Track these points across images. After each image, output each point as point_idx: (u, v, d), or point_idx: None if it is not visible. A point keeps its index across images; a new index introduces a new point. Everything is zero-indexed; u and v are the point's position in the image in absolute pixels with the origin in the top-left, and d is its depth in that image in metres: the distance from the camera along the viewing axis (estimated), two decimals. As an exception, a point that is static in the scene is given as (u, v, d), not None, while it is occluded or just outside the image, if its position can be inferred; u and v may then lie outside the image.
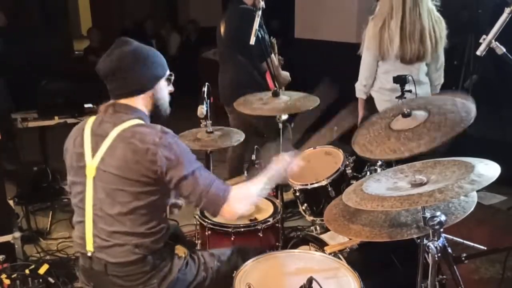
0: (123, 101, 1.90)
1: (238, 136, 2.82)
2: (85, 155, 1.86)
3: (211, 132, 2.78)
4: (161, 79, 1.95)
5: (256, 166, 3.65)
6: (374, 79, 3.18)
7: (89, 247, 1.86)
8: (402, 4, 2.88)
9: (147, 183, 1.79)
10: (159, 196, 1.84)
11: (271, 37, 3.80)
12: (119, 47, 1.88)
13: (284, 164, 2.09)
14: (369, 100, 3.23)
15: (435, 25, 2.96)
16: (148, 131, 1.81)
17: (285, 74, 3.90)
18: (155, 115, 1.97)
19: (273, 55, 3.70)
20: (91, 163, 1.84)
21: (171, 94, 2.04)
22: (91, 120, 1.93)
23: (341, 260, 2.06)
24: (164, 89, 1.98)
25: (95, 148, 1.85)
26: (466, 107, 1.76)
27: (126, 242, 1.82)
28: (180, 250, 2.00)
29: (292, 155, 2.15)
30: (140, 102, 1.91)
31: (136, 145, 1.78)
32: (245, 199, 1.92)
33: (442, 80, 3.21)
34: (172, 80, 2.02)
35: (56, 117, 3.86)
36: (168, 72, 1.99)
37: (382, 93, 3.14)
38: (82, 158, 1.87)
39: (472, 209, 1.69)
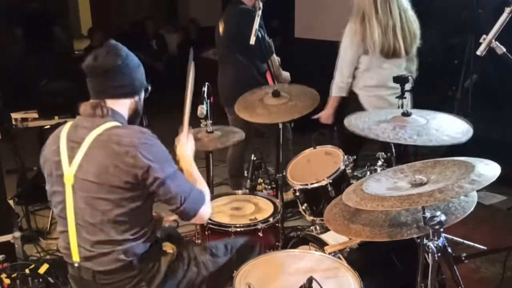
0: (108, 102, 1.84)
1: (238, 136, 2.82)
2: (62, 163, 1.80)
3: (211, 132, 2.78)
4: (144, 86, 1.94)
5: (256, 166, 3.66)
6: (355, 78, 3.22)
7: (75, 257, 1.83)
8: (373, 1, 2.97)
9: (128, 189, 1.74)
10: (141, 202, 1.79)
11: (269, 38, 3.80)
12: (114, 49, 1.84)
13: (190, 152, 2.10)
14: (354, 99, 3.25)
15: (409, 23, 3.03)
16: (125, 133, 1.77)
17: (286, 75, 3.90)
18: (131, 123, 1.93)
19: (274, 55, 3.70)
20: (69, 171, 1.79)
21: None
22: (67, 126, 1.88)
23: (341, 260, 2.06)
24: (142, 98, 1.96)
25: (71, 155, 1.79)
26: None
27: (111, 250, 1.78)
28: (168, 247, 1.96)
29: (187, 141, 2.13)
30: (125, 106, 1.88)
31: (113, 149, 1.73)
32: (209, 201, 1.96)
33: (415, 73, 3.25)
34: (148, 93, 1.99)
35: (56, 117, 3.86)
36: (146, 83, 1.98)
37: (367, 91, 3.19)
38: (60, 166, 1.81)
39: (472, 209, 1.69)
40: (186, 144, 2.11)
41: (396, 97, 2.77)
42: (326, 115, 3.34)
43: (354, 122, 1.98)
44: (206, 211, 1.91)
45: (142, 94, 1.95)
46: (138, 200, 1.78)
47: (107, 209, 1.75)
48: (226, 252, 2.07)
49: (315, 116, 3.32)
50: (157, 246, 1.95)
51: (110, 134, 1.76)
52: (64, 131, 1.86)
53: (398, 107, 2.54)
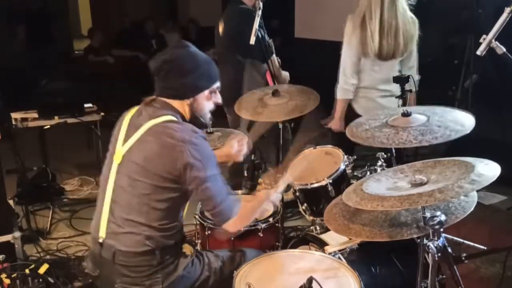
0: (163, 99, 1.94)
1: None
2: (117, 141, 1.94)
3: (211, 133, 2.78)
4: (203, 91, 1.97)
5: (256, 166, 3.66)
6: None
7: (102, 232, 1.89)
8: (380, 2, 2.94)
9: (168, 180, 1.83)
10: (178, 194, 1.88)
11: (269, 38, 3.80)
12: (175, 48, 1.95)
13: (273, 199, 2.13)
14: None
15: (408, 24, 3.01)
16: (179, 128, 1.85)
17: (285, 75, 3.89)
18: (193, 124, 1.97)
19: (274, 55, 3.70)
20: (120, 150, 1.91)
21: None
22: (134, 109, 2.00)
23: (341, 260, 2.06)
24: (204, 101, 1.99)
25: (127, 137, 1.91)
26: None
27: (140, 231, 1.85)
28: (188, 249, 2.02)
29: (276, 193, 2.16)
30: (177, 106, 1.95)
31: (165, 140, 1.82)
32: (248, 218, 2.01)
33: (417, 77, 3.20)
34: (217, 92, 2.03)
35: (56, 117, 3.87)
36: (215, 85, 2.00)
37: (357, 91, 3.16)
38: (115, 143, 1.94)
39: (472, 209, 1.69)
40: (274, 197, 2.14)
41: (396, 97, 2.77)
42: (335, 123, 3.23)
43: (356, 132, 1.95)
44: (237, 224, 1.95)
45: (200, 96, 1.96)
46: (175, 192, 1.86)
47: (145, 193, 1.84)
48: (234, 261, 2.09)
49: (326, 125, 3.28)
50: (178, 245, 1.99)
51: (166, 126, 1.85)
52: (130, 113, 2.00)
53: (398, 106, 2.54)
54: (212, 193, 1.85)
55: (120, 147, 1.91)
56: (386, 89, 3.10)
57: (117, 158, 1.91)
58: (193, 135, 1.85)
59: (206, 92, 1.98)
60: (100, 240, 1.89)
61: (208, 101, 2.01)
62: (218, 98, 2.05)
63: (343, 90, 3.15)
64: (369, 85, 3.12)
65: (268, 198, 2.10)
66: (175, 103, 1.95)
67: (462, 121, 1.81)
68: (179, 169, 1.80)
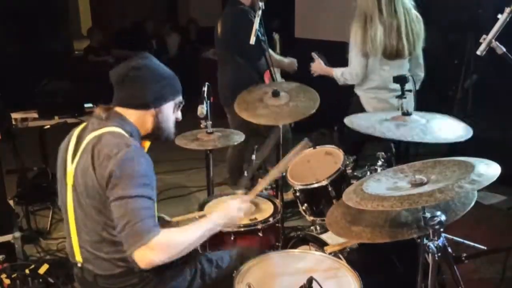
0: (119, 109, 1.83)
1: (238, 137, 2.82)
2: (67, 161, 1.81)
3: (211, 133, 2.78)
4: (167, 101, 1.87)
5: (255, 165, 3.65)
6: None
7: (78, 257, 1.83)
8: (377, 3, 2.96)
9: (102, 196, 1.70)
10: None
11: (274, 33, 3.78)
12: (138, 58, 1.84)
13: (233, 211, 1.94)
14: (356, 100, 3.27)
15: (412, 23, 3.01)
16: (111, 142, 1.71)
17: (291, 61, 3.85)
18: (155, 138, 1.90)
19: (270, 50, 3.68)
20: (70, 170, 1.79)
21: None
22: (82, 124, 1.89)
23: (341, 260, 2.06)
24: (169, 113, 1.89)
25: (75, 154, 1.79)
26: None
27: (108, 254, 1.76)
28: None
29: (242, 202, 1.99)
30: (135, 117, 1.83)
31: (93, 156, 1.71)
32: (170, 249, 1.67)
33: (422, 75, 3.22)
34: (180, 107, 1.94)
35: (56, 117, 3.86)
36: (178, 99, 1.91)
37: (368, 92, 3.20)
38: (65, 164, 1.82)
39: (471, 205, 1.69)
40: (235, 208, 1.95)
41: (396, 97, 2.76)
42: (317, 66, 3.38)
43: (355, 121, 1.96)
44: (149, 255, 1.61)
45: (164, 107, 1.86)
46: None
47: (93, 212, 1.73)
48: (230, 262, 2.05)
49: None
50: None
51: (100, 138, 1.73)
52: (77, 129, 1.87)
53: (398, 109, 2.53)
54: (124, 212, 1.62)
55: (70, 166, 1.78)
56: (398, 89, 3.09)
57: (69, 179, 1.78)
58: (123, 149, 1.67)
59: (172, 103, 1.88)
60: (79, 265, 1.83)
61: (173, 114, 1.91)
62: (179, 115, 1.95)
63: (341, 79, 3.22)
64: (379, 85, 3.13)
65: (218, 220, 1.86)
66: (133, 114, 1.82)
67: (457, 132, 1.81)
68: (102, 185, 1.67)
